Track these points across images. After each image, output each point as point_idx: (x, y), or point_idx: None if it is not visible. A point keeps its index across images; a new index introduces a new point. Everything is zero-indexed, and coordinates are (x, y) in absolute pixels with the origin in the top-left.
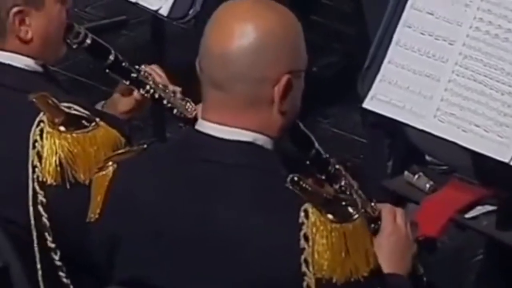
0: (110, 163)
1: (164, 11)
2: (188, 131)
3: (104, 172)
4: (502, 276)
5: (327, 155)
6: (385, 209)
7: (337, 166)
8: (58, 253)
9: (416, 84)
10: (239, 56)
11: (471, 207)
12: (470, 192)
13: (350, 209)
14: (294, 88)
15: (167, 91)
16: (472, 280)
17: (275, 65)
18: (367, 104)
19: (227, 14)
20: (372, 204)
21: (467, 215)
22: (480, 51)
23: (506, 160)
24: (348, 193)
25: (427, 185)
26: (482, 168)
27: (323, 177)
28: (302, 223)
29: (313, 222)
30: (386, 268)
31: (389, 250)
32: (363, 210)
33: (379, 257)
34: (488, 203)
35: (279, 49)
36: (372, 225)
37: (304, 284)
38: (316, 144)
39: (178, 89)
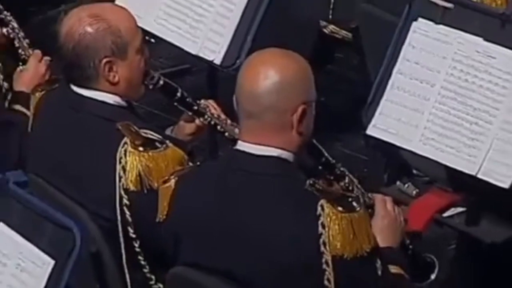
0: (172, 176)
1: (217, 61)
2: (231, 150)
3: (168, 184)
4: (469, 261)
5: (334, 161)
6: (378, 198)
7: (342, 169)
8: (138, 242)
9: (406, 116)
10: (264, 93)
11: (447, 208)
12: (446, 197)
13: (354, 203)
14: (308, 114)
15: (220, 119)
16: (447, 264)
17: (292, 99)
18: (369, 131)
19: (255, 61)
20: (369, 194)
21: (444, 215)
22: (454, 92)
23: (473, 173)
24: (350, 188)
25: (414, 192)
26: (455, 179)
27: (332, 177)
28: (320, 215)
29: (327, 213)
30: (380, 243)
31: (382, 229)
32: (362, 200)
33: (375, 235)
34: (460, 206)
35: (295, 87)
36: (369, 210)
37: (323, 260)
38: (326, 153)
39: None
